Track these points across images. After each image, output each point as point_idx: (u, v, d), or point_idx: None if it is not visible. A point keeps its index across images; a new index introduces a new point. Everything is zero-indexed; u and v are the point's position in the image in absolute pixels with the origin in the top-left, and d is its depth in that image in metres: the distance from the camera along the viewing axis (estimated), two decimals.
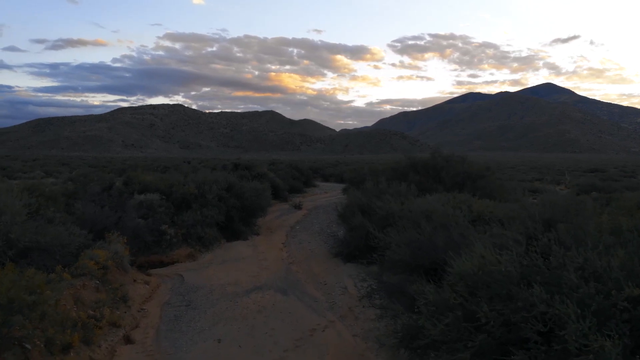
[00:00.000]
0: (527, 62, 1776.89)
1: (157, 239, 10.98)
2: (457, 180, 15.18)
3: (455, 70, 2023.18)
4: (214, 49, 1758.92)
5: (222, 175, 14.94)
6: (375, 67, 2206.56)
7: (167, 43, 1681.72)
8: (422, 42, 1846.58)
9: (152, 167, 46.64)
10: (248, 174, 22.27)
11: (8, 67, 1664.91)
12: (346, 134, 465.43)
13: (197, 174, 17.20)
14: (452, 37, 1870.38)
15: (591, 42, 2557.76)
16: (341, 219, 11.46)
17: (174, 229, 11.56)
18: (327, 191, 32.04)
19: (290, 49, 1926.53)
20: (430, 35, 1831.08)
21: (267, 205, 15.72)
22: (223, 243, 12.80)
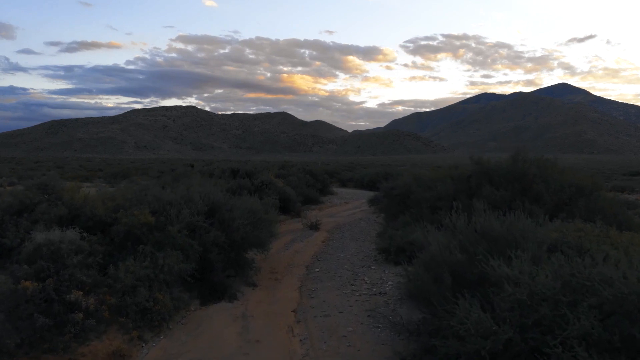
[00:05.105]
0: (541, 62, 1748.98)
1: (59, 321, 5.89)
2: (563, 197, 9.96)
3: (468, 70, 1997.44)
4: (227, 50, 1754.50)
5: (201, 191, 9.74)
6: (388, 67, 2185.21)
7: (180, 45, 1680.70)
8: (434, 43, 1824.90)
9: (152, 170, 41.83)
10: (249, 184, 17.19)
11: (23, 69, 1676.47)
12: (358, 135, 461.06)
13: (179, 184, 12.09)
14: (465, 37, 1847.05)
15: (607, 42, 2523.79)
16: (413, 292, 6.14)
17: (97, 295, 6.44)
18: (347, 200, 26.84)
19: (302, 51, 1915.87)
20: (443, 35, 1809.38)
21: (271, 235, 10.51)
22: (192, 310, 7.53)
